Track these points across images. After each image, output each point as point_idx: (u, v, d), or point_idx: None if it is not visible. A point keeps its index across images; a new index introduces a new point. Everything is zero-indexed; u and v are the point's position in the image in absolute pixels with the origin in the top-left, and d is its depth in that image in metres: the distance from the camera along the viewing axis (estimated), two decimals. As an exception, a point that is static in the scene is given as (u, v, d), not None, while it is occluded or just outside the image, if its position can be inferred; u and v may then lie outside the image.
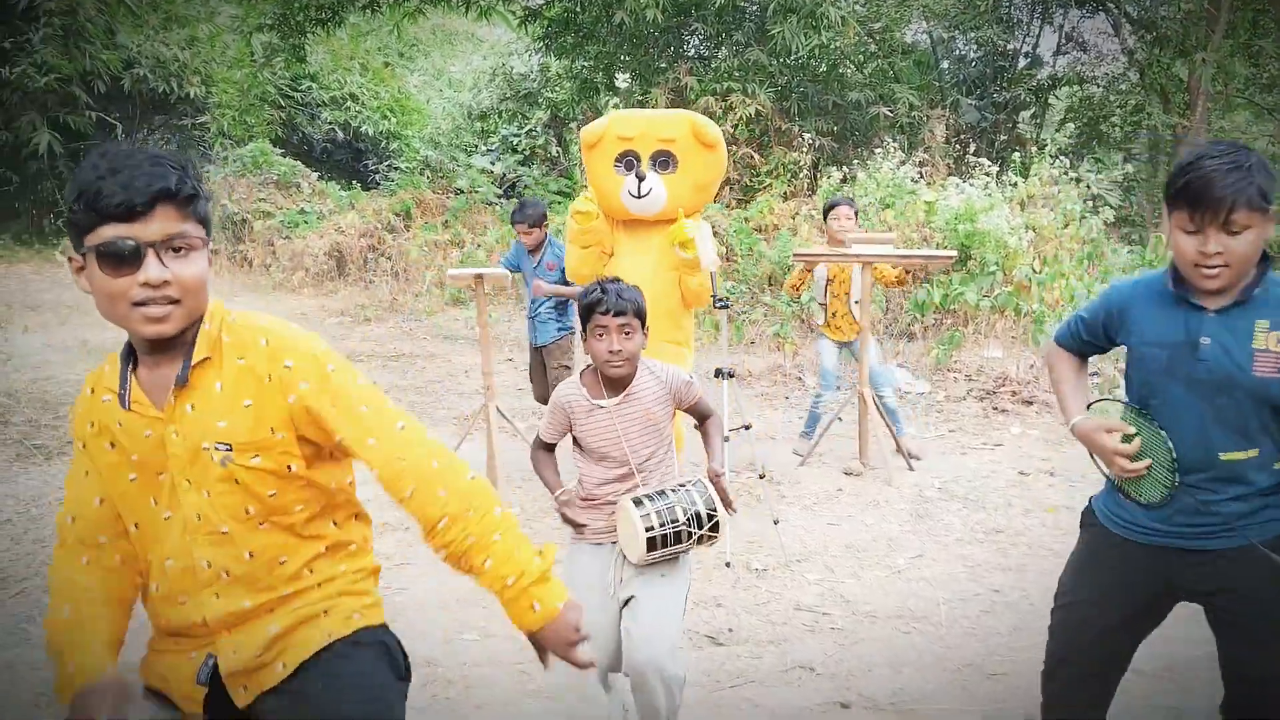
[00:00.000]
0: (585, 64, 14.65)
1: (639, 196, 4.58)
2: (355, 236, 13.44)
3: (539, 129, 16.07)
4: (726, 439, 4.51)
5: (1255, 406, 2.12)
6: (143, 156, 1.49)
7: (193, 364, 1.59)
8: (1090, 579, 2.40)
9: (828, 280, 6.14)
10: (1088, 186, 10.20)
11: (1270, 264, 2.14)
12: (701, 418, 3.01)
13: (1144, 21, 14.56)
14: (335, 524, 1.76)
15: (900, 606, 4.07)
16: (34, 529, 4.90)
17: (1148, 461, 2.17)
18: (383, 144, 18.37)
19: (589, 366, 2.87)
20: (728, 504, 2.79)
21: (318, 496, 1.71)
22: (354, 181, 16.56)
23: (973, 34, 14.76)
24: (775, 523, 4.72)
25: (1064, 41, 15.67)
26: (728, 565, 4.42)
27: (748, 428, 4.73)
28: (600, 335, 2.72)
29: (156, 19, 15.17)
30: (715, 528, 2.72)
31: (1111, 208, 11.33)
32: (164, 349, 1.60)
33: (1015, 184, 10.05)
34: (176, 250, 1.51)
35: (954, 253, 6.10)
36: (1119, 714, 3.18)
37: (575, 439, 2.89)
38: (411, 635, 3.65)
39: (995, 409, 7.37)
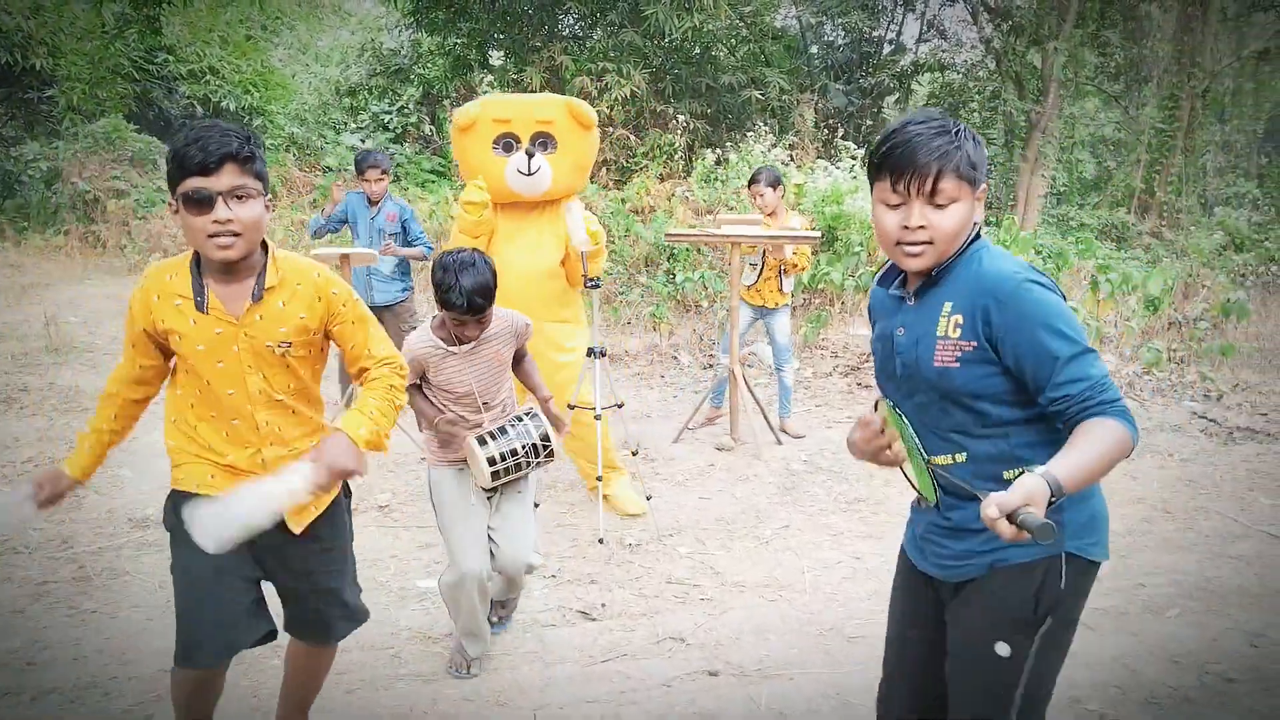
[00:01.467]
0: (458, 41, 14.44)
1: (529, 174, 4.54)
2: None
3: (411, 106, 15.75)
4: (598, 416, 4.56)
5: (942, 402, 1.87)
6: (216, 129, 2.10)
7: (266, 286, 2.23)
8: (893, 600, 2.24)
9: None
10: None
11: (976, 239, 1.89)
12: (520, 358, 3.41)
13: (1000, 11, 15.20)
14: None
15: (767, 576, 4.19)
16: None
17: (897, 444, 1.89)
18: (245, 120, 17.68)
19: (435, 320, 3.19)
20: (559, 427, 3.36)
21: (318, 376, 2.45)
22: (215, 159, 15.91)
23: (840, 20, 15.15)
24: (647, 499, 4.79)
25: (926, 29, 16.24)
26: (601, 542, 4.47)
27: (620, 406, 4.78)
28: (459, 325, 3.08)
29: (-5, -16, 14.23)
30: (550, 453, 3.27)
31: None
32: (231, 270, 2.22)
33: (880, 167, 10.36)
34: (239, 198, 2.11)
35: (818, 234, 6.26)
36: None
37: (430, 383, 3.22)
38: (277, 622, 3.59)
39: (859, 384, 7.63)
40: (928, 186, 1.76)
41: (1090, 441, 1.67)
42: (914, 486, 1.96)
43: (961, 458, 1.88)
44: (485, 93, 15.95)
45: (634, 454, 5.00)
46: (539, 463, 3.26)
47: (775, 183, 6.21)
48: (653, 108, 13.01)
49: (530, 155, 4.51)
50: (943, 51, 16.59)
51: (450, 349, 3.15)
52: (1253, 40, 17.35)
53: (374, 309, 5.89)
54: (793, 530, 4.73)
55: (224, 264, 2.18)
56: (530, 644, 3.57)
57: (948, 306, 1.83)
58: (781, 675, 3.35)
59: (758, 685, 3.28)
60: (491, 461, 3.12)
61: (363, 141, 14.86)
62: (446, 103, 15.93)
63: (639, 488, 4.92)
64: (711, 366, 6.59)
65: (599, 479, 4.64)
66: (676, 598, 3.98)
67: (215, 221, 2.08)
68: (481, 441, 3.14)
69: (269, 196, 2.21)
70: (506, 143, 4.61)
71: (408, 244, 6.00)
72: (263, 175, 2.17)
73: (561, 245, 4.63)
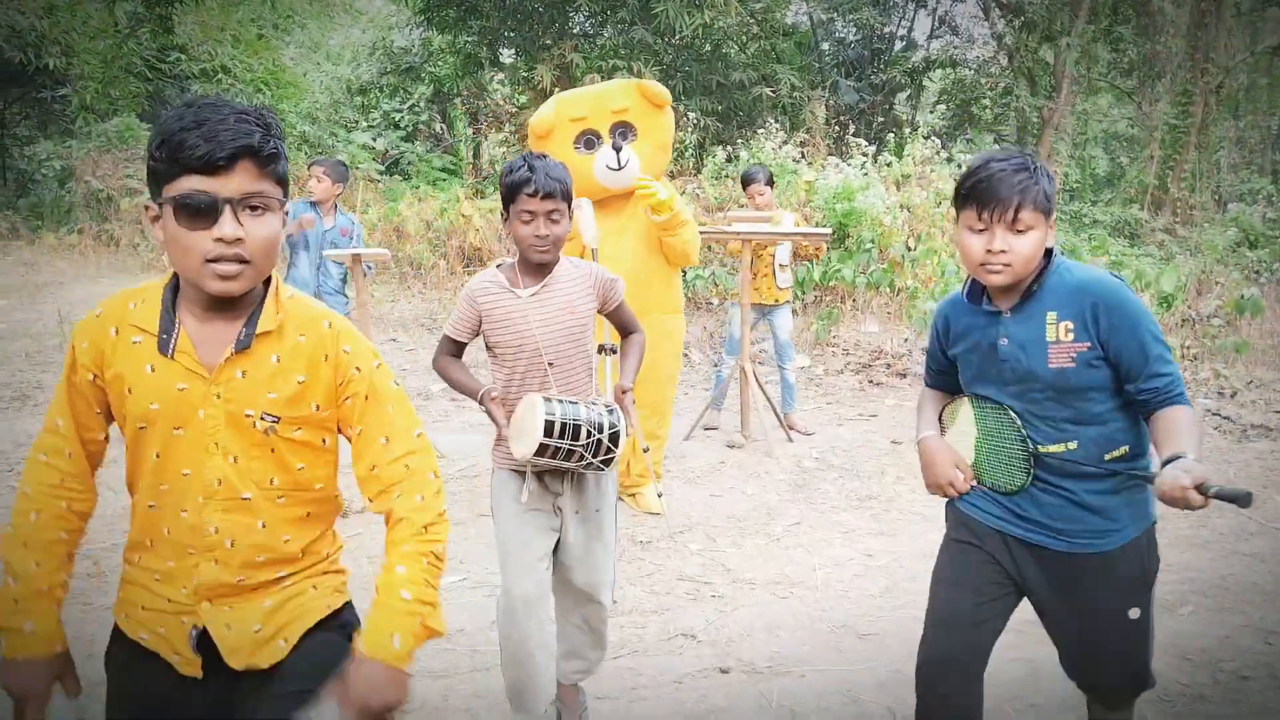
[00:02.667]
0: (469, 39, 14.46)
1: (619, 168, 4.51)
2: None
3: (422, 104, 15.79)
4: (645, 449, 4.57)
5: (1059, 398, 2.15)
6: (229, 110, 1.49)
7: (257, 332, 1.59)
8: (960, 582, 2.38)
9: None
10: (959, 166, 10.58)
11: (1053, 257, 2.19)
12: (625, 330, 2.86)
13: (1012, 6, 15.14)
14: (332, 510, 1.79)
15: (778, 573, 4.19)
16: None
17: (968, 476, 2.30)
18: (257, 119, 17.76)
19: (502, 263, 2.72)
20: (630, 422, 2.66)
21: (333, 476, 1.73)
22: (228, 157, 15.99)
23: (851, 16, 15.12)
24: (659, 496, 4.79)
25: (937, 25, 16.19)
26: (612, 539, 4.48)
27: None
28: (527, 219, 2.56)
29: (9, -16, 14.32)
30: (610, 459, 2.55)
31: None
32: (223, 307, 1.59)
33: (890, 164, 10.36)
34: (253, 209, 1.51)
35: (828, 230, 6.26)
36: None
37: (488, 341, 2.69)
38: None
39: (871, 381, 7.62)
40: (1009, 216, 2.06)
41: (1190, 428, 2.04)
42: (982, 477, 2.31)
43: (1073, 445, 2.17)
44: (497, 90, 16.00)
45: (645, 450, 5.00)
46: (593, 463, 2.54)
47: (771, 181, 6.35)
48: (663, 105, 13.01)
49: (618, 150, 4.49)
50: (954, 48, 16.54)
51: (514, 289, 2.62)
52: (1267, 35, 17.24)
53: None
54: (804, 527, 4.73)
55: (219, 301, 1.58)
56: (542, 640, 3.58)
57: (1052, 315, 2.14)
58: (792, 672, 3.35)
59: (769, 682, 3.28)
60: (549, 429, 2.42)
61: (374, 140, 14.91)
62: (457, 101, 15.97)
63: (655, 489, 4.93)
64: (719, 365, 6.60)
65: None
66: (688, 594, 3.99)
67: (219, 240, 1.48)
68: (547, 400, 2.49)
69: (286, 211, 1.61)
70: (588, 139, 4.59)
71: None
72: (285, 180, 1.58)
73: (654, 230, 4.61)
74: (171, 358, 1.58)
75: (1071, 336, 2.11)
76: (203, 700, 1.64)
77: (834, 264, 9.21)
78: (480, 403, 2.62)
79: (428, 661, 3.39)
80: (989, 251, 2.09)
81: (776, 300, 6.25)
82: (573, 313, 2.64)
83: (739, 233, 5.84)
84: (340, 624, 1.73)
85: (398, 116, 15.71)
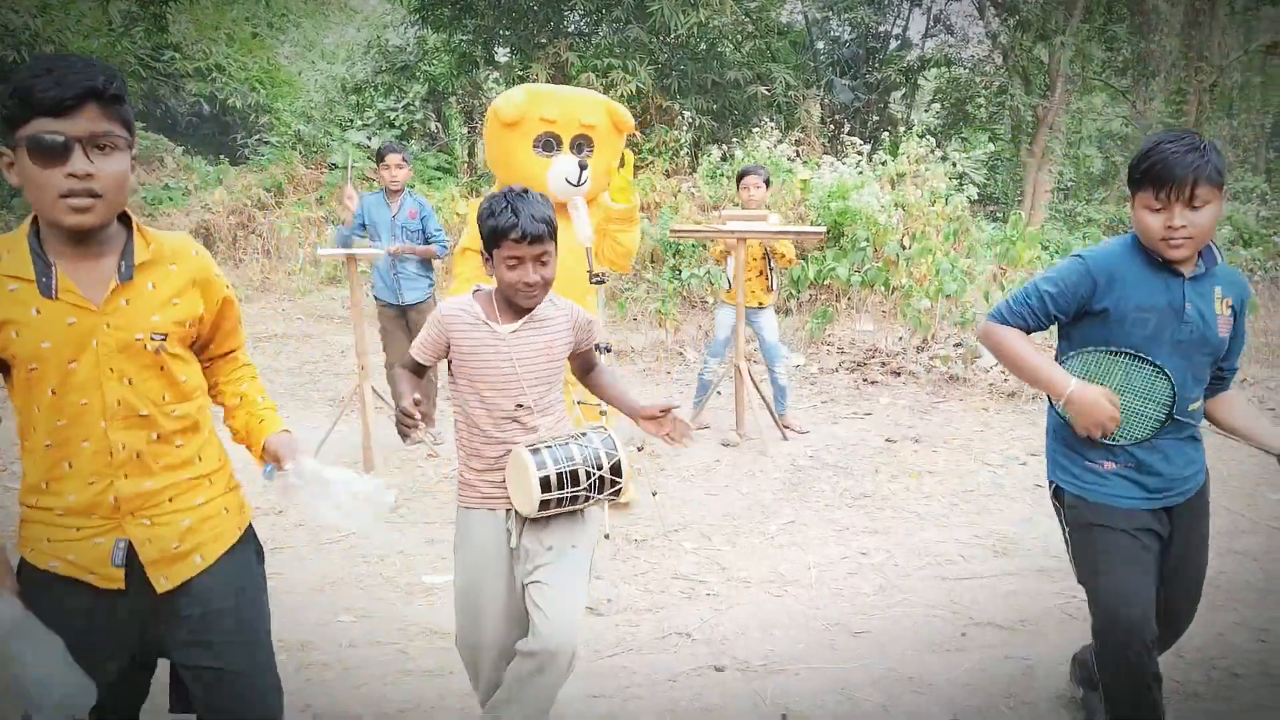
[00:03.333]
0: (464, 37, 14.44)
1: (578, 185, 4.48)
2: (224, 214, 12.98)
3: (416, 103, 15.76)
4: (603, 412, 4.56)
5: (1211, 360, 2.47)
6: (76, 59, 1.65)
7: (136, 264, 1.78)
8: (1134, 561, 2.50)
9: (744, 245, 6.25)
10: (954, 165, 10.59)
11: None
12: (588, 367, 2.75)
13: (1007, 5, 15.14)
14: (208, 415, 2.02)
15: (772, 571, 4.20)
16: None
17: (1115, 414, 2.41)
18: (252, 117, 17.74)
19: (480, 289, 2.56)
20: (672, 437, 2.57)
21: (202, 386, 1.97)
22: (221, 156, 15.96)
23: (846, 15, 15.12)
24: (654, 495, 4.80)
25: (932, 24, 16.19)
26: (606, 537, 4.48)
27: None
28: (513, 265, 2.38)
29: (3, -18, 14.26)
30: (618, 490, 2.46)
31: (976, 185, 11.78)
32: (86, 243, 1.74)
33: (885, 163, 10.37)
34: (101, 148, 1.66)
35: (822, 229, 6.26)
36: (972, 669, 3.37)
37: (453, 370, 2.53)
38: (286, 619, 3.61)
39: (865, 380, 7.62)
40: (1186, 194, 2.24)
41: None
42: (1102, 438, 2.46)
43: (1199, 403, 2.51)
44: (492, 89, 15.97)
45: (640, 449, 5.01)
46: (599, 499, 2.48)
47: (768, 181, 6.39)
48: (658, 104, 13.01)
49: (583, 168, 4.47)
50: (949, 46, 16.54)
51: (490, 324, 2.46)
52: (1261, 34, 17.26)
53: (404, 308, 5.93)
54: (798, 526, 4.73)
55: (76, 234, 1.71)
56: (536, 639, 3.58)
57: (1218, 291, 2.42)
58: (787, 670, 3.36)
59: (763, 680, 3.28)
60: (546, 484, 2.33)
61: (369, 139, 14.88)
62: (452, 99, 15.95)
63: (638, 482, 4.92)
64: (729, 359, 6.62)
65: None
66: (682, 593, 3.99)
67: (71, 175, 1.63)
68: (534, 451, 2.38)
69: (135, 153, 1.76)
70: (547, 142, 4.53)
71: (425, 241, 5.98)
72: (130, 123, 1.72)
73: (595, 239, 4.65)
74: (55, 298, 1.71)
75: (1229, 313, 2.44)
76: (127, 607, 1.83)
77: (828, 262, 9.22)
78: (398, 408, 2.45)
79: (423, 660, 3.39)
80: (1169, 227, 2.28)
81: (760, 303, 6.25)
82: (551, 354, 2.52)
83: (733, 231, 5.84)
84: (252, 548, 2.05)
85: (393, 115, 15.66)
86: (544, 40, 13.57)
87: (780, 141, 11.76)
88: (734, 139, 12.68)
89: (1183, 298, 2.38)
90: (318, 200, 13.33)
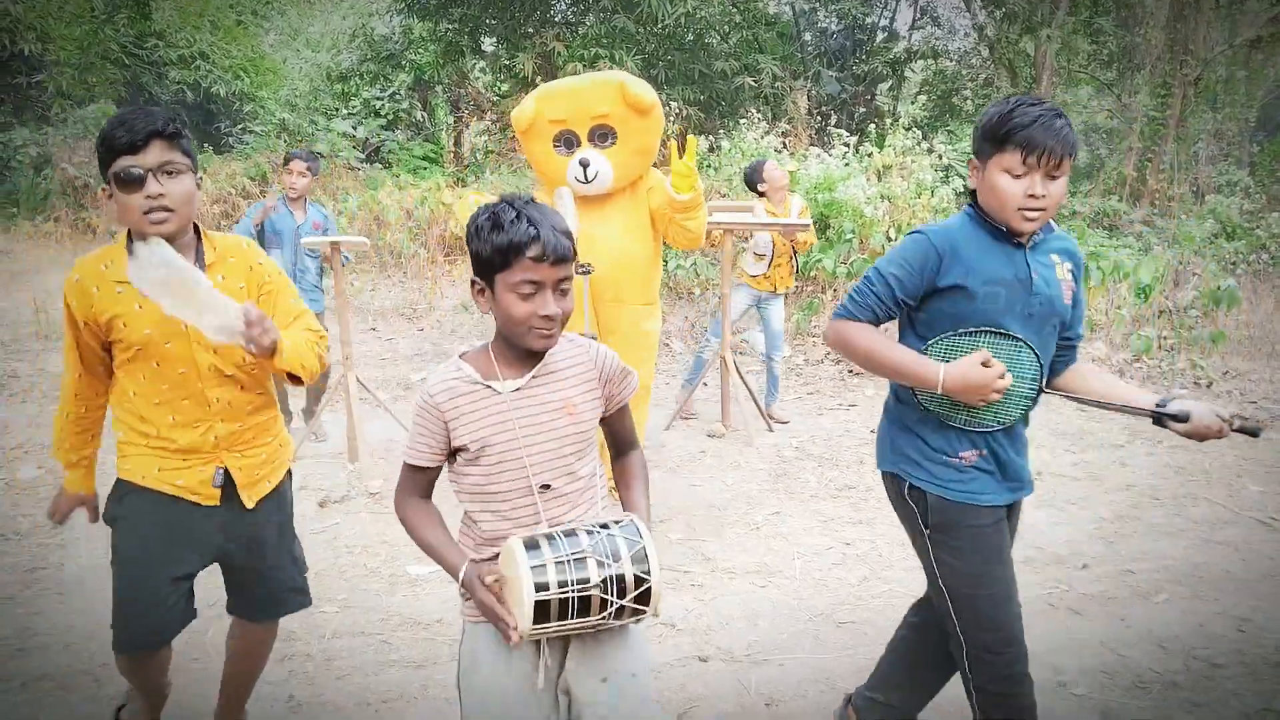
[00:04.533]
0: (450, 26, 14.37)
1: (586, 182, 4.48)
2: (207, 202, 12.89)
3: (402, 92, 15.69)
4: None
5: (1055, 332, 2.29)
6: (143, 111, 2.16)
7: (206, 263, 2.28)
8: (1007, 563, 2.31)
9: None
10: (940, 157, 10.60)
11: None
12: (623, 446, 2.07)
13: (993, -2, 15.17)
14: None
15: (758, 562, 4.20)
16: None
17: (1008, 378, 2.16)
18: (236, 106, 17.58)
19: (468, 349, 1.93)
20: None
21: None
22: (205, 144, 15.84)
23: (833, 7, 15.10)
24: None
25: (919, 16, 16.19)
26: (592, 528, 4.47)
27: None
28: (529, 292, 1.76)
29: (-17, -32, 14.10)
30: (645, 596, 1.73)
31: (962, 178, 11.80)
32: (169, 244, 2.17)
33: (872, 154, 10.38)
34: (169, 173, 2.15)
35: (808, 222, 6.27)
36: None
37: (455, 454, 1.90)
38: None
39: (850, 372, 7.64)
40: (1053, 162, 2.10)
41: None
42: (962, 420, 2.25)
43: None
44: (478, 79, 15.91)
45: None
46: (624, 608, 1.72)
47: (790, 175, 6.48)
48: (645, 94, 12.96)
49: (585, 164, 4.44)
50: (936, 39, 16.55)
51: (490, 384, 1.84)
52: (1245, 28, 17.32)
53: None
54: (783, 517, 4.74)
55: (162, 239, 2.15)
56: (521, 630, 3.57)
57: (1055, 257, 2.28)
58: (771, 660, 3.36)
59: (747, 670, 3.29)
60: (543, 588, 1.66)
61: (354, 128, 14.82)
62: (438, 89, 15.88)
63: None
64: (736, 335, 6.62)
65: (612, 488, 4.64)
66: (667, 584, 3.99)
67: (148, 197, 2.13)
68: (531, 546, 1.71)
69: (199, 176, 2.25)
70: (566, 139, 4.52)
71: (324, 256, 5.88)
72: (190, 153, 2.21)
73: (645, 223, 4.62)
74: None
75: (1070, 278, 2.29)
76: (217, 519, 2.38)
77: (814, 254, 9.23)
78: (462, 586, 1.82)
79: (406, 651, 3.38)
80: (1030, 195, 2.12)
81: (787, 288, 6.29)
82: (573, 414, 1.87)
83: (720, 223, 5.84)
84: (290, 477, 2.61)
85: (378, 104, 15.60)
86: (530, 30, 13.52)
87: (767, 133, 11.76)
88: (720, 130, 12.66)
89: (1028, 267, 2.21)
90: (302, 189, 13.24)
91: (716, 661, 3.35)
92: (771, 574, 4.09)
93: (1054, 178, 2.12)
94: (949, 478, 2.27)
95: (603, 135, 4.50)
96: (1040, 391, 2.26)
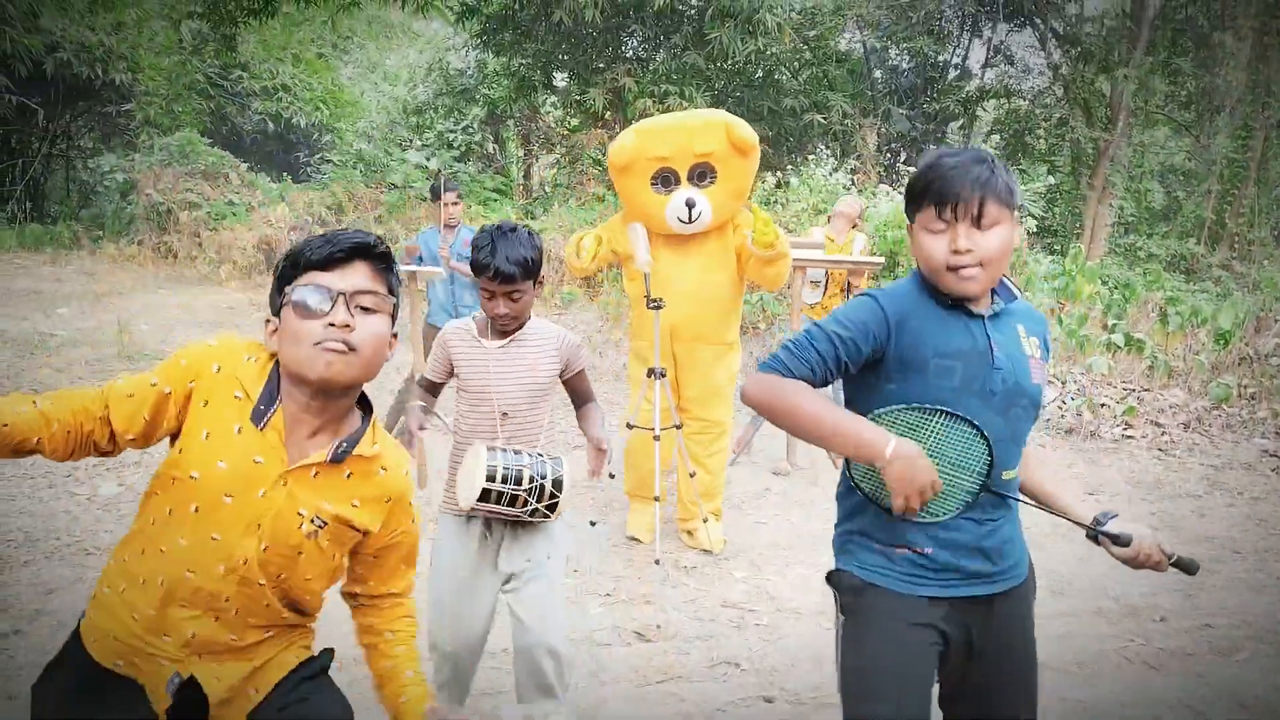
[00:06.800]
0: (523, 62, 14.63)
1: (690, 222, 4.48)
2: (285, 229, 13.23)
3: (475, 125, 15.98)
4: (656, 438, 4.57)
5: (1030, 414, 1.99)
6: (350, 230, 1.69)
7: (355, 453, 1.72)
8: (905, 657, 1.98)
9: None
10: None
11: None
12: (582, 400, 2.96)
13: (1069, 37, 15.01)
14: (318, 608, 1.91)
15: (823, 603, 4.16)
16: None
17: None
18: (315, 136, 18.11)
19: (480, 317, 2.85)
20: (594, 472, 2.81)
21: (323, 593, 1.85)
22: (284, 174, 16.29)
23: (905, 45, 15.06)
24: (704, 521, 4.79)
25: (992, 54, 16.08)
26: (657, 563, 4.48)
27: (679, 427, 4.78)
28: (488, 296, 2.69)
29: (82, 2, 14.74)
30: (553, 507, 2.64)
31: (1034, 218, 11.66)
32: (320, 406, 1.68)
33: (943, 193, 10.29)
34: (364, 308, 1.65)
35: (880, 260, 6.25)
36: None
37: (458, 384, 2.87)
38: (333, 630, 3.65)
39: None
40: (973, 211, 1.85)
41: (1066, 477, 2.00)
42: (906, 515, 1.89)
43: (1016, 471, 2.01)
44: (549, 113, 16.15)
45: (691, 475, 4.99)
46: (535, 509, 2.62)
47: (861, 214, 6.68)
48: (714, 130, 13.04)
49: (690, 205, 4.43)
50: (1009, 78, 16.41)
51: (480, 339, 2.78)
52: (1331, 70, 16.92)
53: None
54: (849, 557, 4.69)
55: (318, 390, 1.65)
56: (586, 662, 3.58)
57: (1022, 329, 1.99)
58: (836, 704, 3.31)
59: (813, 713, 3.26)
60: (491, 477, 2.54)
61: (428, 160, 15.12)
62: (510, 122, 16.15)
63: (717, 528, 4.87)
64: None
65: (656, 498, 4.65)
66: (732, 622, 3.97)
67: (331, 325, 1.60)
68: (491, 450, 2.61)
69: (395, 331, 1.74)
70: (665, 178, 4.50)
71: None
72: (396, 293, 1.72)
73: (731, 262, 4.63)
74: (262, 430, 1.65)
75: (1039, 354, 2.01)
76: None
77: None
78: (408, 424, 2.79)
79: (475, 679, 3.40)
80: (955, 252, 1.86)
81: None
82: (535, 372, 2.77)
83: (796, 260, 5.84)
84: (313, 667, 1.85)
85: (451, 137, 15.90)
86: (602, 65, 13.70)
87: (836, 170, 11.75)
88: (789, 166, 12.68)
89: (987, 339, 1.93)
90: (376, 219, 13.55)
91: (782, 703, 3.33)
92: (837, 616, 4.04)
93: (982, 229, 1.86)
94: (871, 561, 2.01)
95: (701, 174, 4.48)
96: (985, 488, 1.91)
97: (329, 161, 16.15)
